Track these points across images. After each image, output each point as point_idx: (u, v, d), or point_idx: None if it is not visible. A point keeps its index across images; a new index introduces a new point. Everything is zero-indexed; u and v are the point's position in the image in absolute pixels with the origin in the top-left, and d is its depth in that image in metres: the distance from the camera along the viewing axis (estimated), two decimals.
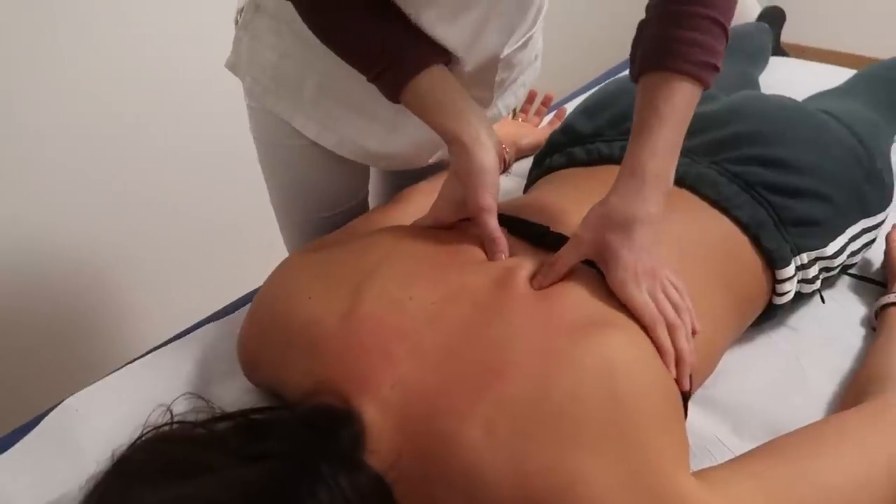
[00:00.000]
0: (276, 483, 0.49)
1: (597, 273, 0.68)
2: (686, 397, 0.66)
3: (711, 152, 0.88)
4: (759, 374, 0.82)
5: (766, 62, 1.54)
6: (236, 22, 0.90)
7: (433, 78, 0.74)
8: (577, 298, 0.65)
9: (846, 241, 0.88)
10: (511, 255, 0.72)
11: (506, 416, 0.56)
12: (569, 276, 0.68)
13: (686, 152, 0.90)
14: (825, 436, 0.65)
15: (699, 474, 0.60)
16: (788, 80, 1.45)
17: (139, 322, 1.03)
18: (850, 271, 0.97)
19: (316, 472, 0.50)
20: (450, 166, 0.77)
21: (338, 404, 0.59)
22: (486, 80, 0.88)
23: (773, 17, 1.69)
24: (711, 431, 0.74)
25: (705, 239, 0.80)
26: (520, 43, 0.86)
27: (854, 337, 0.86)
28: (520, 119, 1.29)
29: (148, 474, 0.51)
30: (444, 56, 0.77)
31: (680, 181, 0.85)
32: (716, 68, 0.67)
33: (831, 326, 0.89)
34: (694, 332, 0.67)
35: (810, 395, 0.78)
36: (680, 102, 0.67)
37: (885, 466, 0.62)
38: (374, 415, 0.58)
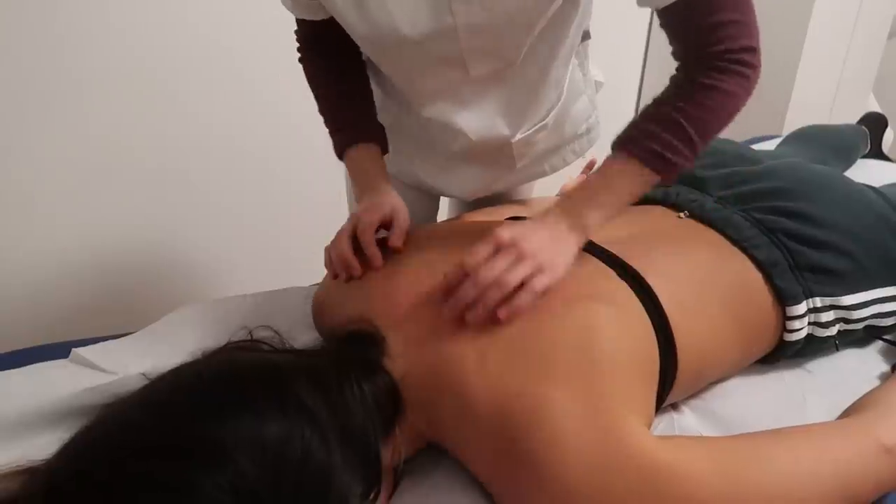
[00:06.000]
0: (316, 373, 0.64)
1: (596, 259, 0.80)
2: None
3: (742, 201, 0.98)
4: (761, 399, 0.87)
5: (852, 159, 1.60)
6: None
7: (361, 153, 0.97)
8: (579, 277, 0.77)
9: (869, 299, 0.93)
10: None
11: (497, 351, 0.69)
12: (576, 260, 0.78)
13: (719, 200, 1.01)
14: (791, 432, 0.71)
15: (662, 436, 0.68)
16: (878, 180, 1.49)
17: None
18: (886, 337, 1.01)
19: (347, 373, 0.65)
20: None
21: (370, 329, 0.75)
22: (505, 153, 1.06)
23: (872, 122, 1.75)
24: (696, 430, 0.81)
25: (719, 268, 0.89)
26: (531, 131, 1.02)
27: (866, 386, 0.88)
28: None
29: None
30: (380, 138, 0.99)
31: (708, 221, 0.96)
32: (663, 158, 0.76)
33: (846, 375, 0.92)
34: (497, 319, 0.71)
35: (804, 421, 0.79)
36: (620, 176, 0.79)
37: (835, 466, 0.66)
38: (395, 340, 0.74)
